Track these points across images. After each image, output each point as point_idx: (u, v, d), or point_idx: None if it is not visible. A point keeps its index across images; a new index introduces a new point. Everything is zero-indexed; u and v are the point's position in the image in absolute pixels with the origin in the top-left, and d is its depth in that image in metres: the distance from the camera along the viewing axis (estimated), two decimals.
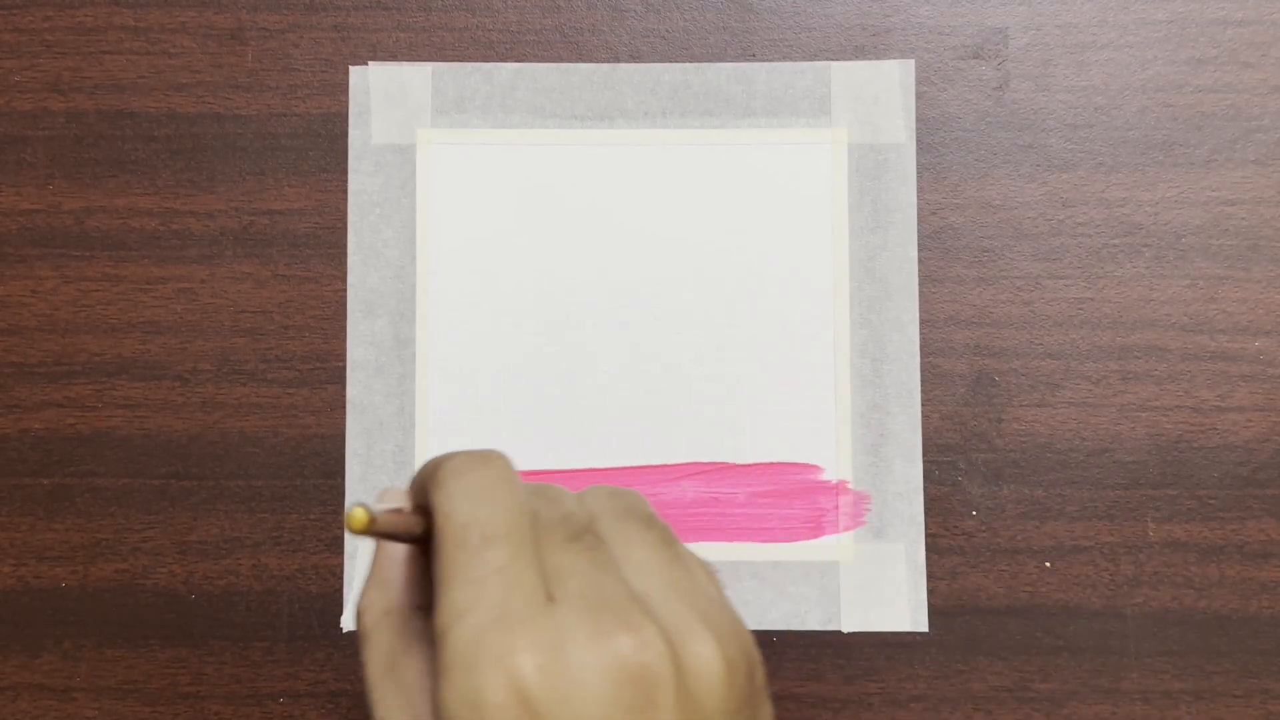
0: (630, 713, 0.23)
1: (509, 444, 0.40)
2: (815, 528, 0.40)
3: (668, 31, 0.41)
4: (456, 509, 0.25)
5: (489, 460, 0.27)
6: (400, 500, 0.28)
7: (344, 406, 0.40)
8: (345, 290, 0.41)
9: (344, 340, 0.41)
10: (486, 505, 0.26)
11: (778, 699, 0.39)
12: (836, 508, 0.40)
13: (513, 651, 0.23)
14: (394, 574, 0.28)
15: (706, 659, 0.24)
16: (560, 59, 0.41)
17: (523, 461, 0.39)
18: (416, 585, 0.28)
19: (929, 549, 0.40)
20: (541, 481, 0.35)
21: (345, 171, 0.41)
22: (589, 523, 0.27)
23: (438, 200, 0.41)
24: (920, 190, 0.41)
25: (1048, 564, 0.40)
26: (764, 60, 0.41)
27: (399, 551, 0.28)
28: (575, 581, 0.25)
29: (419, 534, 0.27)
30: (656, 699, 0.23)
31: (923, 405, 0.40)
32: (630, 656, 0.23)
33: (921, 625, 0.40)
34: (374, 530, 0.26)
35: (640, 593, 0.25)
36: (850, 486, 0.40)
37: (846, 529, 0.40)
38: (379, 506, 0.28)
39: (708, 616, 0.25)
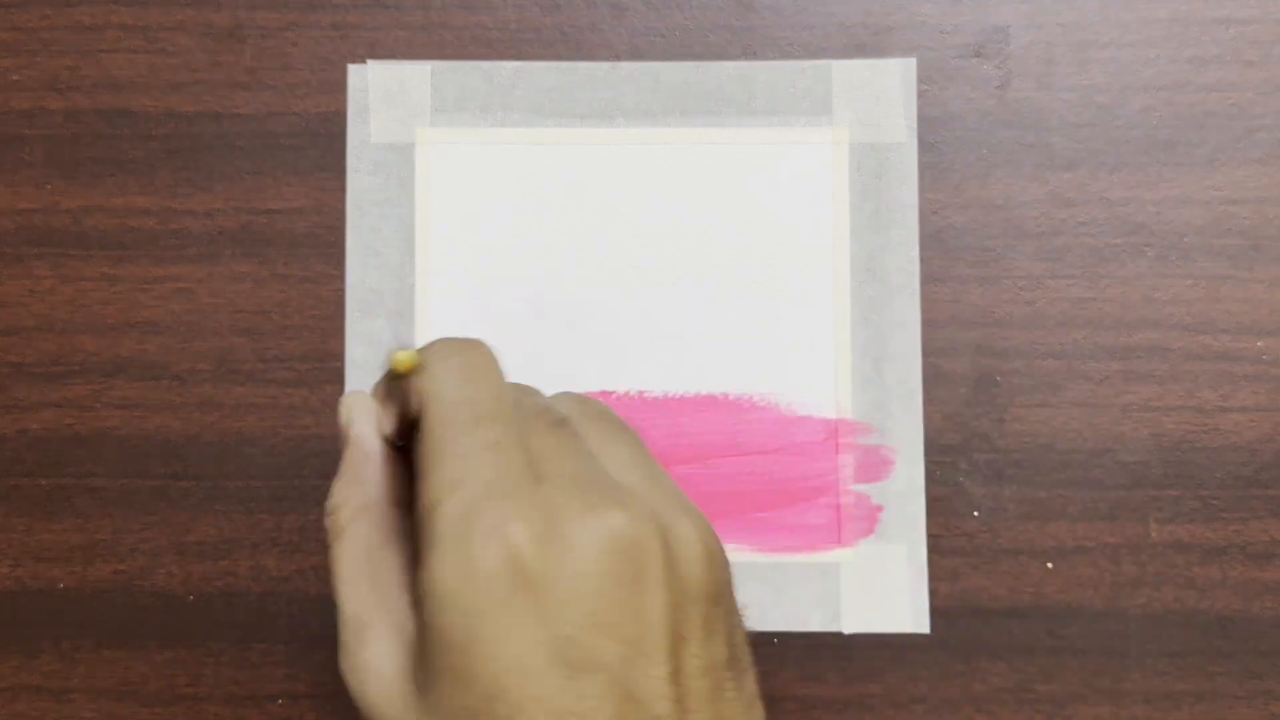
0: (621, 584, 0.23)
1: None
2: (817, 530, 0.40)
3: (668, 30, 0.41)
4: (445, 388, 0.26)
5: (473, 346, 0.27)
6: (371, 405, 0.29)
7: None
8: (344, 290, 0.41)
9: (343, 340, 0.41)
10: (474, 386, 0.26)
11: (778, 700, 0.39)
12: (839, 508, 0.40)
13: (507, 521, 0.23)
14: (369, 471, 0.28)
15: (690, 541, 0.25)
16: (560, 58, 0.41)
17: None
18: (390, 482, 0.28)
19: (930, 550, 0.40)
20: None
21: (344, 170, 0.41)
22: (565, 417, 0.27)
23: (437, 199, 0.41)
24: (922, 189, 0.40)
25: (1049, 565, 0.40)
26: (765, 59, 0.41)
27: (373, 448, 0.28)
28: (560, 464, 0.25)
29: (395, 430, 0.28)
30: (647, 572, 0.24)
31: (924, 405, 0.40)
32: (622, 530, 0.24)
33: (923, 626, 0.39)
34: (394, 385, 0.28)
35: (622, 481, 0.26)
36: (851, 487, 0.40)
37: (851, 540, 0.40)
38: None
39: (687, 508, 0.26)
